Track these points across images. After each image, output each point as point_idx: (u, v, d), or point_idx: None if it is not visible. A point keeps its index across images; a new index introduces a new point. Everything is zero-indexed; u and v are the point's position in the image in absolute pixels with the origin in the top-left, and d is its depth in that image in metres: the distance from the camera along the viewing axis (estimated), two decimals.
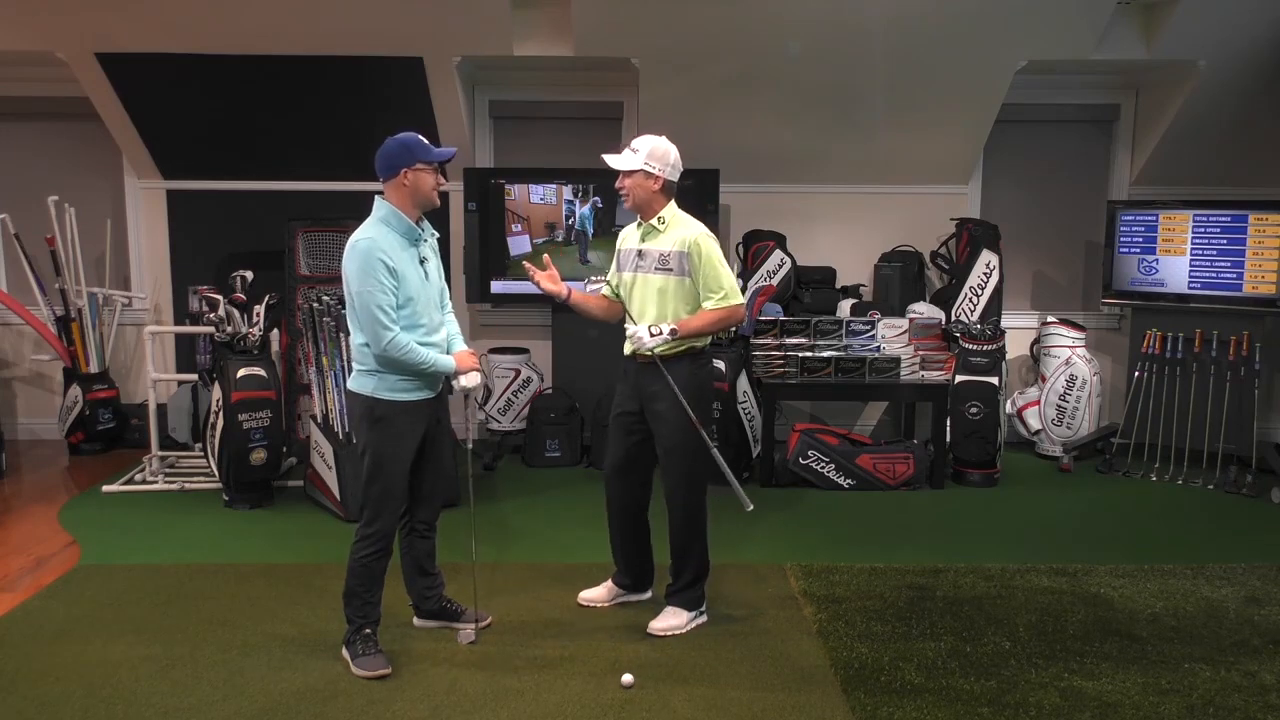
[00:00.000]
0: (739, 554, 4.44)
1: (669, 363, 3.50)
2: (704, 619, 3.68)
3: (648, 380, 3.56)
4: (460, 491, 5.17)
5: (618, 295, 3.73)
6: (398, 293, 3.17)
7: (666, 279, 3.52)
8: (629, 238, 3.69)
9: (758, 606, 3.83)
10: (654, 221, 3.54)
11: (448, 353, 3.39)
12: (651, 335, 3.44)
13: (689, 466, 3.59)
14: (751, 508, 3.56)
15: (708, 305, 3.50)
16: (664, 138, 3.56)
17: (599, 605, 3.85)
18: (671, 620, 3.61)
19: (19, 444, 6.45)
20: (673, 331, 3.44)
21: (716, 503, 5.18)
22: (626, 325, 3.59)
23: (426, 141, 3.24)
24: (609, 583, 3.91)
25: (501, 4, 5.36)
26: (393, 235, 3.20)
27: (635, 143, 3.53)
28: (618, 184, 3.56)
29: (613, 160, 3.53)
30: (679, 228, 3.53)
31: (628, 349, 3.62)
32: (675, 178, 3.56)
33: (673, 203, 3.58)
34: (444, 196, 6.74)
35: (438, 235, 3.43)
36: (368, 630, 3.31)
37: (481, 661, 3.35)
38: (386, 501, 3.27)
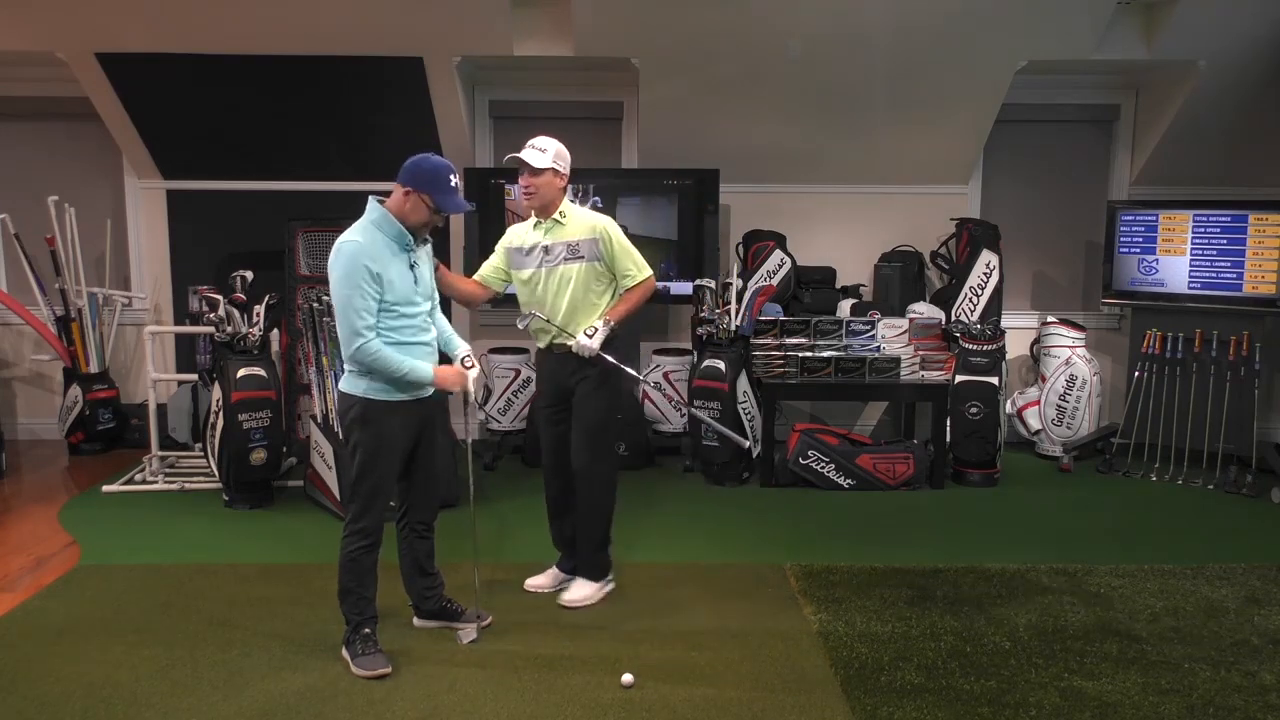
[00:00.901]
0: (739, 554, 4.44)
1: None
2: (612, 585, 3.94)
3: (572, 364, 3.73)
4: (460, 491, 5.17)
5: (500, 286, 3.91)
6: (380, 298, 3.16)
7: (578, 266, 3.72)
8: (525, 236, 3.81)
9: (758, 606, 3.83)
10: (556, 216, 3.73)
11: (446, 350, 3.43)
12: (589, 337, 3.65)
13: (605, 444, 3.82)
14: (749, 444, 3.90)
15: (626, 284, 3.76)
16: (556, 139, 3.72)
17: (543, 590, 3.99)
18: (582, 591, 3.83)
19: (19, 444, 6.45)
20: (606, 323, 3.68)
21: (720, 501, 5.20)
22: (554, 332, 3.75)
23: (455, 184, 3.25)
24: (553, 569, 4.07)
25: (501, 4, 5.36)
26: (381, 238, 3.20)
27: (538, 143, 3.68)
28: (525, 182, 3.68)
29: (532, 158, 3.63)
30: (582, 218, 3.76)
31: (542, 344, 3.84)
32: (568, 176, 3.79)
33: (566, 198, 3.80)
34: None
35: (429, 241, 3.43)
36: (366, 630, 3.32)
37: (481, 661, 3.35)
38: (375, 498, 3.29)
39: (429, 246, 3.43)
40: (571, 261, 3.71)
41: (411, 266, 3.27)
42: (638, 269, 3.76)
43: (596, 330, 3.65)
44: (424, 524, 3.52)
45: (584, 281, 3.71)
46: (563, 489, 3.94)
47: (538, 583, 4.03)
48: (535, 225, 3.78)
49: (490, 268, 3.91)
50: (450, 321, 5.51)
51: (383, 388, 3.24)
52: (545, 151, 3.65)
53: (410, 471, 3.41)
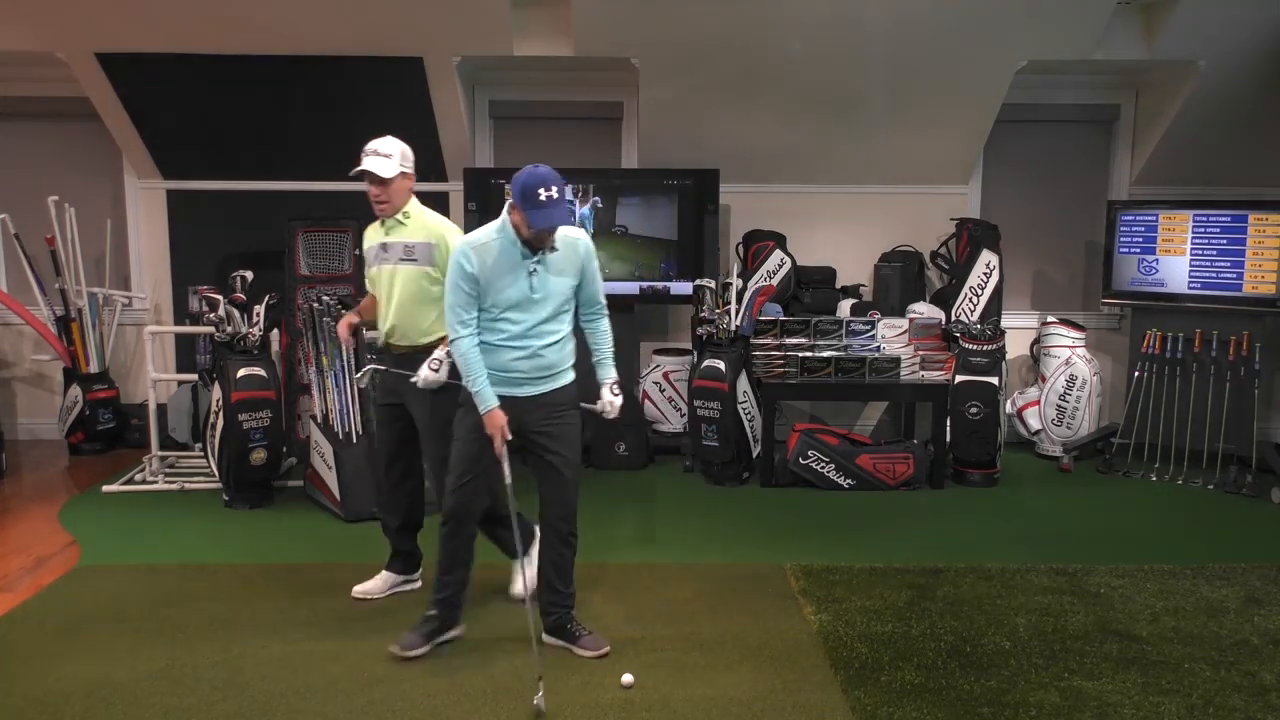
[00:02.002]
0: (739, 554, 4.44)
1: (420, 354, 3.60)
2: (417, 584, 3.95)
3: (405, 369, 3.61)
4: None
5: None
6: (477, 296, 3.20)
7: (410, 269, 3.62)
8: (373, 235, 3.74)
9: (758, 606, 3.83)
10: (399, 216, 3.65)
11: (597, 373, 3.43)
12: (434, 371, 3.52)
13: (443, 448, 3.51)
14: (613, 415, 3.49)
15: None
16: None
17: (374, 597, 3.90)
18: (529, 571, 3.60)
19: (19, 444, 6.44)
20: (449, 354, 3.45)
21: (720, 501, 5.20)
22: (389, 331, 3.66)
23: (547, 197, 3.10)
24: (384, 573, 3.96)
25: (501, 4, 5.36)
26: (499, 243, 3.19)
27: (381, 148, 3.58)
28: (375, 194, 3.57)
29: (379, 168, 3.54)
30: (424, 220, 3.66)
31: (381, 339, 3.74)
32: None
33: (414, 197, 3.70)
34: (444, 197, 6.74)
35: (579, 239, 3.33)
36: (431, 611, 3.42)
37: (481, 661, 3.35)
38: (459, 484, 3.33)
39: (572, 250, 3.28)
40: (406, 263, 3.62)
41: (530, 274, 3.20)
42: None
43: (441, 364, 3.51)
44: (553, 525, 3.40)
45: (416, 285, 3.62)
46: (401, 488, 3.82)
47: (366, 589, 3.91)
48: (381, 224, 3.71)
49: (368, 275, 3.82)
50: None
51: None
52: (390, 157, 3.56)
53: (531, 465, 3.40)
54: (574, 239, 3.30)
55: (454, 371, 3.44)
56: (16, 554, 4.44)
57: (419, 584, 3.99)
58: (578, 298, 3.35)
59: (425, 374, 3.52)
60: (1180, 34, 5.52)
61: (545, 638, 3.46)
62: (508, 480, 3.27)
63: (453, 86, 5.82)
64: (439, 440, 3.56)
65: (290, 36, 5.50)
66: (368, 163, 3.57)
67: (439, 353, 3.54)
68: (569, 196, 5.98)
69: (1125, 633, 3.59)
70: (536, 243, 3.17)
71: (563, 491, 3.36)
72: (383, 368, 3.71)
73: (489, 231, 3.23)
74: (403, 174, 3.60)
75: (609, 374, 3.42)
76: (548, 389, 3.32)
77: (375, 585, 3.93)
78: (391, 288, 3.65)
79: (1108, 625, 3.65)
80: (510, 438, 3.24)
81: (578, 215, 5.99)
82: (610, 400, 3.41)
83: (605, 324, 3.43)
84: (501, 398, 3.24)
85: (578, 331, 3.44)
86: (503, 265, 3.18)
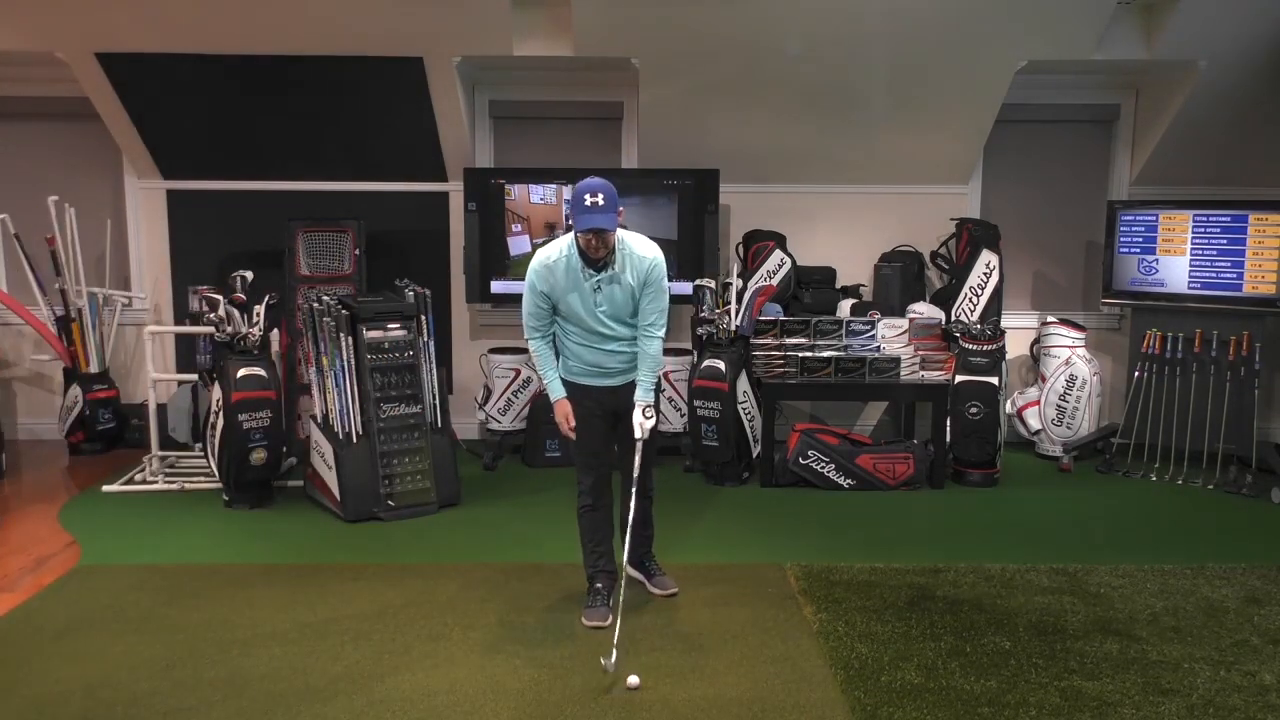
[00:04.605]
0: (739, 554, 4.44)
1: None
2: None
3: None
4: (460, 490, 5.18)
5: None
6: (550, 308, 3.55)
7: None
8: None
9: (758, 606, 3.83)
10: None
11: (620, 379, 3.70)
12: None
13: None
14: None
15: None
16: None
17: None
18: None
19: (19, 444, 6.44)
20: None
21: (720, 501, 5.20)
22: None
23: (590, 204, 3.33)
24: None
25: (501, 4, 5.36)
26: (564, 261, 3.49)
27: None
28: None
29: None
30: None
31: None
32: None
33: None
34: (444, 197, 6.74)
35: (648, 258, 3.58)
36: (598, 584, 3.73)
37: (481, 661, 3.35)
38: (583, 461, 3.73)
39: (637, 266, 3.52)
40: None
41: (595, 290, 3.50)
42: None
43: None
44: (638, 483, 3.70)
45: None
46: None
47: None
48: None
49: None
50: (451, 326, 5.44)
51: (568, 370, 3.68)
52: None
53: (621, 437, 3.73)
54: (642, 256, 3.54)
55: None
56: (16, 554, 4.44)
57: None
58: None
59: None
60: (1180, 34, 5.52)
61: (628, 570, 3.77)
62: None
63: (453, 86, 5.82)
64: None
65: (290, 36, 5.50)
66: None
67: None
68: (568, 197, 5.97)
69: (1125, 633, 3.59)
70: (591, 252, 3.41)
71: (645, 458, 3.71)
72: None
73: (559, 248, 3.51)
74: None
75: (641, 395, 3.57)
76: (633, 378, 3.66)
77: None
78: None
79: (1108, 625, 3.65)
80: (574, 423, 3.63)
81: None
82: (640, 422, 3.55)
83: (652, 346, 3.57)
84: (598, 387, 3.65)
85: None
86: (569, 282, 3.49)
